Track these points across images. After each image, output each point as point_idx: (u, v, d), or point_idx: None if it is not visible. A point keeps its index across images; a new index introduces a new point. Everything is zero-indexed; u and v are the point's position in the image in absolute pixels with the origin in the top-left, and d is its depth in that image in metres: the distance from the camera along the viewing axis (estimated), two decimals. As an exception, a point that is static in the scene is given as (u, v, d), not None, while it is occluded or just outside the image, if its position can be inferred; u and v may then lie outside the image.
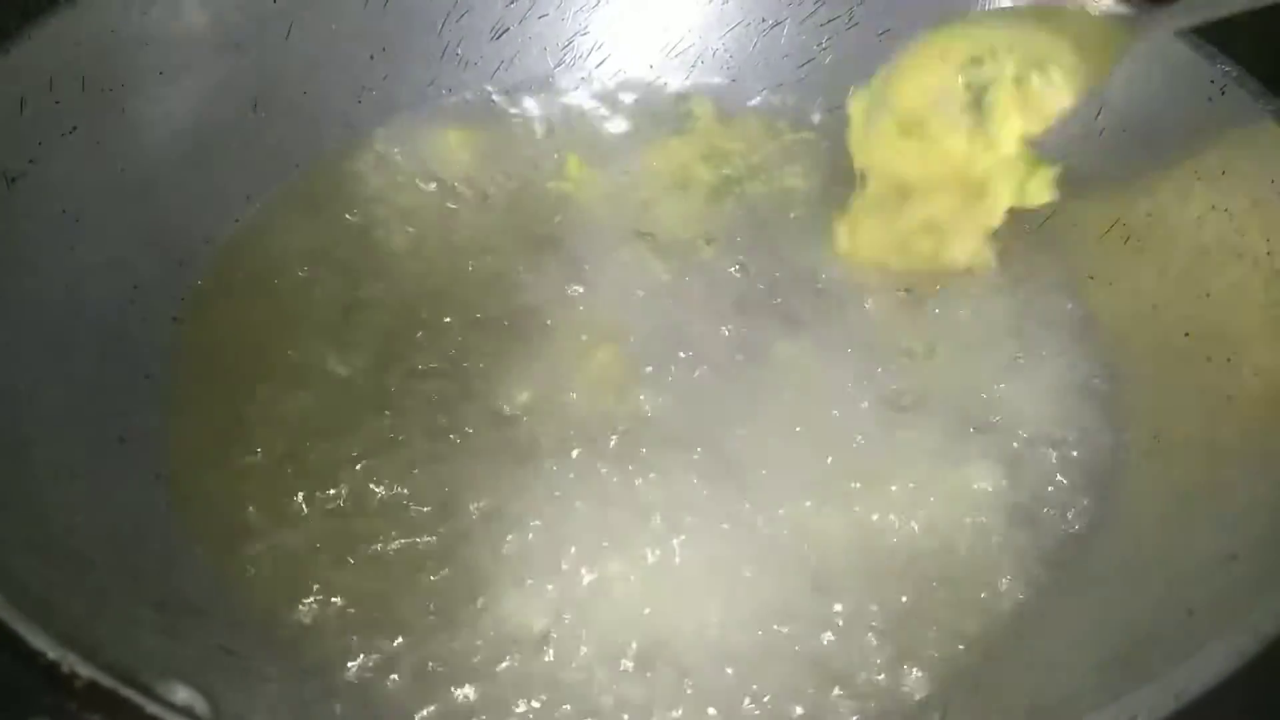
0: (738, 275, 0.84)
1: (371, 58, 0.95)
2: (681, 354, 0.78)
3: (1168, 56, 0.80)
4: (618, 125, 0.97)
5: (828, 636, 0.66)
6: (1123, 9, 0.81)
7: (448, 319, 0.81)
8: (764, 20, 0.99)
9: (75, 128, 0.77)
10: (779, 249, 0.86)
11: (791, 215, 0.89)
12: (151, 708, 0.48)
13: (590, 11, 1.00)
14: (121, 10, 0.80)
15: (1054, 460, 0.74)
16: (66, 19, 0.77)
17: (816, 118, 0.97)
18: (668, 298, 0.82)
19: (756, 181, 0.92)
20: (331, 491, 0.71)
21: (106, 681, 0.48)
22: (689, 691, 0.63)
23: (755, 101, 0.99)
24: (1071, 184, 0.82)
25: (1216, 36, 0.78)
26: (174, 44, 0.84)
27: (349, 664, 0.65)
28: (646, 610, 0.66)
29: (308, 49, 0.91)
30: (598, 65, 1.01)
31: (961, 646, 0.66)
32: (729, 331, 0.80)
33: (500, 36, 0.98)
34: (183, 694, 0.50)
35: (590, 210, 0.89)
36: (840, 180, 0.86)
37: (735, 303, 0.82)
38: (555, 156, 0.93)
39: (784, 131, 0.97)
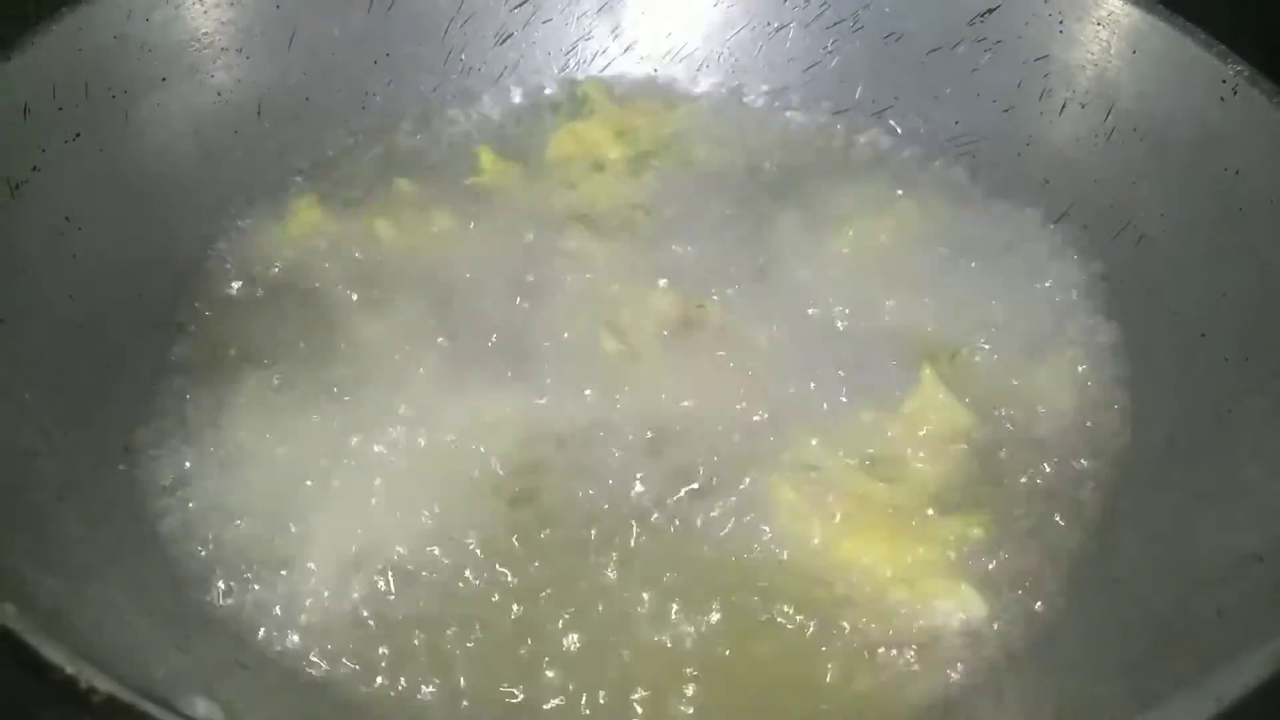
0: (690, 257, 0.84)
1: (375, 63, 0.94)
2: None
3: (1179, 56, 0.79)
4: (518, 117, 0.96)
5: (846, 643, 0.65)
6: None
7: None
8: (769, 24, 0.98)
9: (78, 134, 0.76)
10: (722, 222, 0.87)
11: (721, 185, 0.90)
12: (172, 721, 0.47)
13: (594, 16, 0.99)
14: (124, 16, 0.79)
15: (1071, 459, 0.74)
16: (69, 25, 0.76)
17: (821, 119, 0.97)
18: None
19: (670, 155, 0.93)
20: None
21: (126, 696, 0.46)
22: None
23: (759, 105, 0.98)
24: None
25: (1228, 36, 0.78)
26: (177, 50, 0.83)
27: (362, 676, 0.64)
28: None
29: (311, 55, 0.91)
30: (602, 70, 1.00)
31: (983, 649, 0.65)
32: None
33: (504, 42, 0.98)
34: (202, 707, 0.49)
35: (520, 197, 0.89)
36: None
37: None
38: (466, 153, 0.92)
39: (678, 104, 0.97)
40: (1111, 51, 0.83)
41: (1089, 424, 0.75)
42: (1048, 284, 0.83)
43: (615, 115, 0.96)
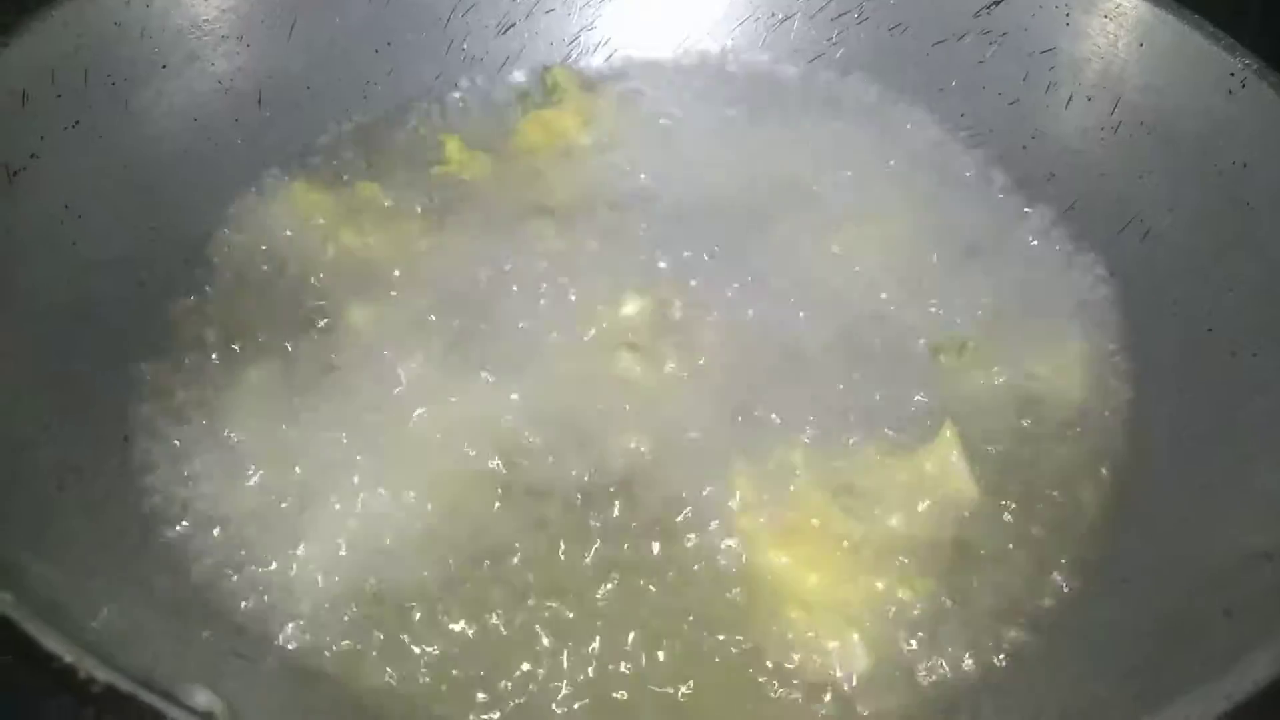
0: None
1: (376, 52, 0.94)
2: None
3: (1186, 49, 0.79)
4: (489, 105, 0.96)
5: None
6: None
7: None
8: (774, 15, 0.98)
9: (78, 121, 0.76)
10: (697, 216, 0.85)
11: (704, 179, 0.88)
12: (173, 712, 0.46)
13: (598, 6, 0.99)
14: (124, 3, 0.79)
15: (1076, 456, 0.73)
16: (69, 11, 0.75)
17: (822, 111, 0.96)
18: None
19: (636, 145, 0.91)
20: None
21: (125, 686, 0.46)
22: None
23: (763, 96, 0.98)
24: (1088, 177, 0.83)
25: (1235, 29, 0.77)
26: (177, 37, 0.83)
27: (360, 666, 0.63)
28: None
29: (312, 43, 0.90)
30: (605, 60, 1.00)
31: (989, 650, 0.65)
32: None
33: (506, 31, 0.97)
34: (202, 697, 0.49)
35: (486, 188, 0.88)
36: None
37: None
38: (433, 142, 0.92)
39: (645, 92, 0.97)
40: (1118, 44, 0.83)
41: (1093, 419, 0.75)
42: (1053, 278, 0.82)
43: (584, 103, 0.95)
